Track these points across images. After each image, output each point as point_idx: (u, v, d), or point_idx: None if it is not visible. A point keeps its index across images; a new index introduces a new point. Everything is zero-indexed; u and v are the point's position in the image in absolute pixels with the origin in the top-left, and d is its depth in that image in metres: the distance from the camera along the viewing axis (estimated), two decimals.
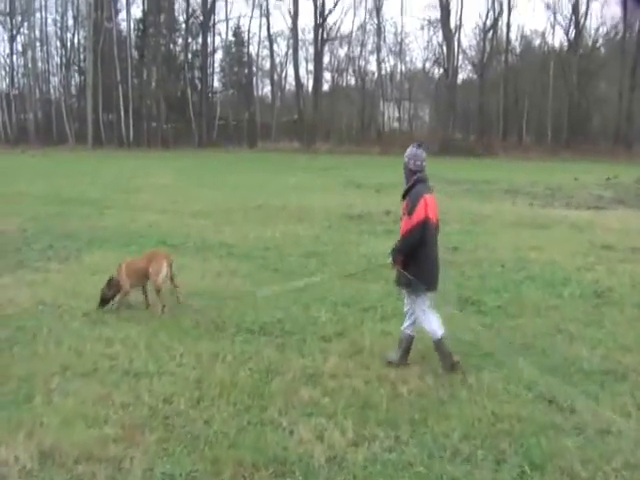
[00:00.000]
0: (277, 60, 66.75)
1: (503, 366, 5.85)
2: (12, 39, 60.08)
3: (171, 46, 62.49)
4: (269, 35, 63.29)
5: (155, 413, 4.88)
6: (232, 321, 7.16)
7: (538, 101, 56.16)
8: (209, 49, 61.72)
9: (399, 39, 62.56)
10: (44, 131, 57.41)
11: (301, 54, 62.63)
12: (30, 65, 59.77)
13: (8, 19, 59.54)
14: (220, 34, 66.64)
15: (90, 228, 13.41)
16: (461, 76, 62.74)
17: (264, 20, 63.61)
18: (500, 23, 57.58)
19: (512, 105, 56.91)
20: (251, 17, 67.07)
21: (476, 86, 57.55)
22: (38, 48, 60.84)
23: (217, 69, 65.35)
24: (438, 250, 5.89)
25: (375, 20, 60.44)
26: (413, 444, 4.46)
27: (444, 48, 57.66)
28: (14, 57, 61.46)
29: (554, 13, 56.66)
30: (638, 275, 9.55)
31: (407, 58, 65.25)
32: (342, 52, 64.30)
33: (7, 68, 61.82)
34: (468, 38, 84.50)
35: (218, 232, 13.13)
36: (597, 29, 58.57)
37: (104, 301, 7.53)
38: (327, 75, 64.77)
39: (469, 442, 4.47)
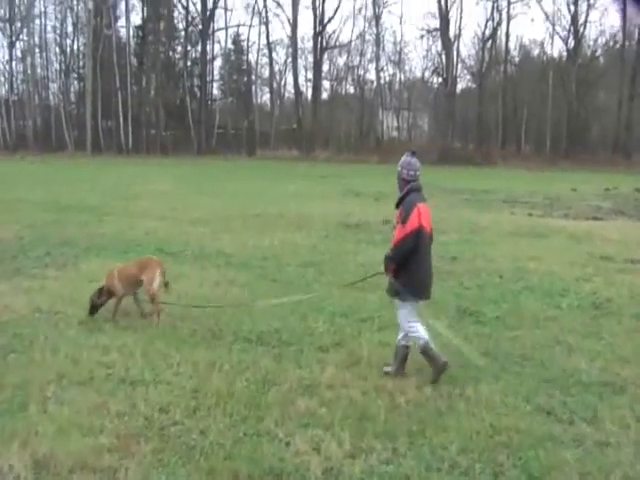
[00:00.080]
0: (276, 68, 67.09)
1: (501, 378, 5.82)
2: (11, 45, 60.19)
3: (170, 53, 62.73)
4: (268, 43, 63.49)
5: (151, 423, 4.84)
6: (229, 330, 7.13)
7: (537, 110, 56.37)
8: (208, 57, 61.92)
9: (398, 48, 63.04)
10: (43, 137, 57.38)
11: (300, 62, 62.90)
12: (29, 71, 59.86)
13: (8, 25, 59.59)
14: (219, 42, 67.13)
15: (88, 235, 13.37)
16: (460, 85, 63.17)
17: (263, 28, 63.91)
18: (499, 33, 58.02)
19: (511, 114, 57.10)
20: (250, 25, 66.94)
21: (475, 95, 57.77)
22: (37, 54, 61.07)
23: (216, 77, 65.64)
24: (431, 259, 5.88)
25: (374, 29, 60.78)
26: (411, 456, 4.43)
27: (443, 57, 57.96)
28: (13, 63, 61.63)
29: (553, 23, 56.93)
30: (637, 286, 9.53)
31: (406, 67, 65.66)
32: (341, 61, 64.82)
33: (6, 74, 61.95)
34: (467, 47, 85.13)
35: (216, 240, 13.11)
36: (596, 39, 58.92)
37: (93, 308, 7.49)
38: (326, 84, 65.19)
39: (467, 455, 4.44)
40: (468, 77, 63.88)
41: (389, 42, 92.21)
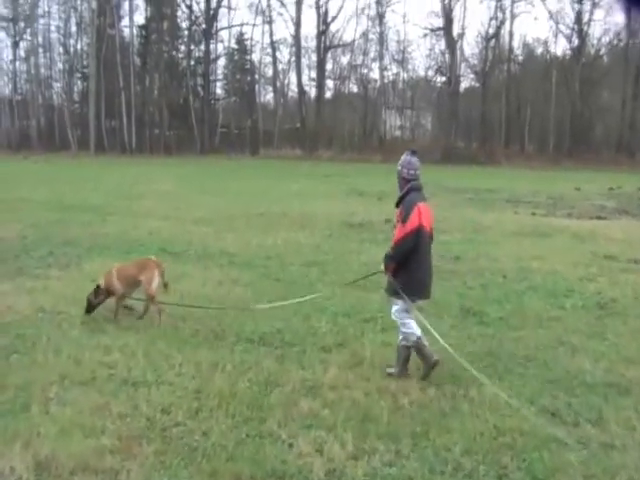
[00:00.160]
0: (280, 67, 67.03)
1: (505, 379, 5.79)
2: (15, 45, 60.38)
3: (174, 53, 62.74)
4: (272, 42, 63.66)
5: (153, 424, 4.82)
6: (232, 330, 7.11)
7: (540, 109, 56.26)
8: (212, 56, 62.05)
9: (401, 47, 62.96)
10: (46, 137, 57.53)
11: (304, 61, 63.02)
12: (33, 71, 60.09)
13: (11, 25, 59.76)
14: (223, 41, 67.23)
15: (91, 235, 13.36)
16: (463, 84, 63.00)
17: (267, 27, 64.39)
18: (502, 31, 57.96)
19: (514, 113, 56.99)
20: (254, 25, 67.37)
21: (478, 94, 57.71)
22: (41, 54, 61.31)
23: (220, 76, 65.75)
24: (431, 259, 5.86)
25: (378, 28, 60.78)
26: (414, 458, 4.40)
27: (447, 56, 57.94)
28: (17, 63, 61.94)
29: (557, 22, 56.84)
30: None
31: (409, 66, 65.22)
32: (344, 60, 64.67)
33: (10, 74, 62.18)
34: (470, 46, 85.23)
35: (220, 239, 13.09)
36: (600, 38, 58.76)
37: (90, 307, 7.47)
38: (329, 83, 65.13)
39: (471, 456, 4.41)
40: (471, 76, 63.81)
41: (392, 41, 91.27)
